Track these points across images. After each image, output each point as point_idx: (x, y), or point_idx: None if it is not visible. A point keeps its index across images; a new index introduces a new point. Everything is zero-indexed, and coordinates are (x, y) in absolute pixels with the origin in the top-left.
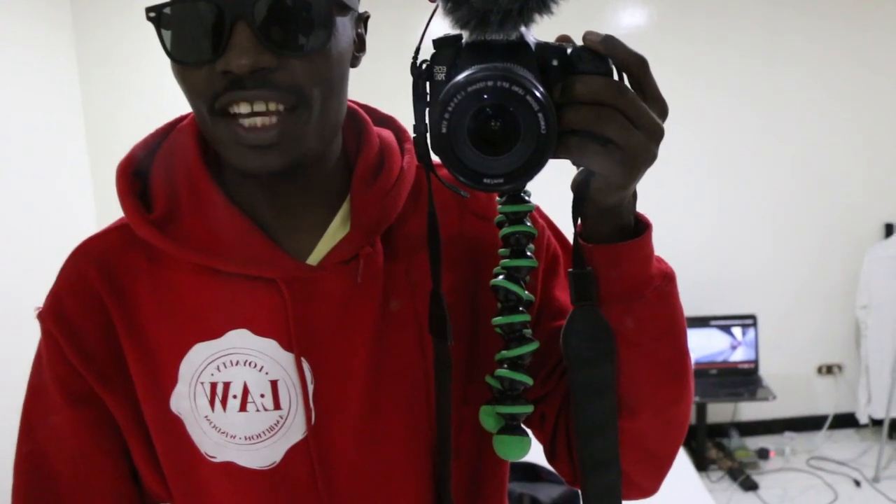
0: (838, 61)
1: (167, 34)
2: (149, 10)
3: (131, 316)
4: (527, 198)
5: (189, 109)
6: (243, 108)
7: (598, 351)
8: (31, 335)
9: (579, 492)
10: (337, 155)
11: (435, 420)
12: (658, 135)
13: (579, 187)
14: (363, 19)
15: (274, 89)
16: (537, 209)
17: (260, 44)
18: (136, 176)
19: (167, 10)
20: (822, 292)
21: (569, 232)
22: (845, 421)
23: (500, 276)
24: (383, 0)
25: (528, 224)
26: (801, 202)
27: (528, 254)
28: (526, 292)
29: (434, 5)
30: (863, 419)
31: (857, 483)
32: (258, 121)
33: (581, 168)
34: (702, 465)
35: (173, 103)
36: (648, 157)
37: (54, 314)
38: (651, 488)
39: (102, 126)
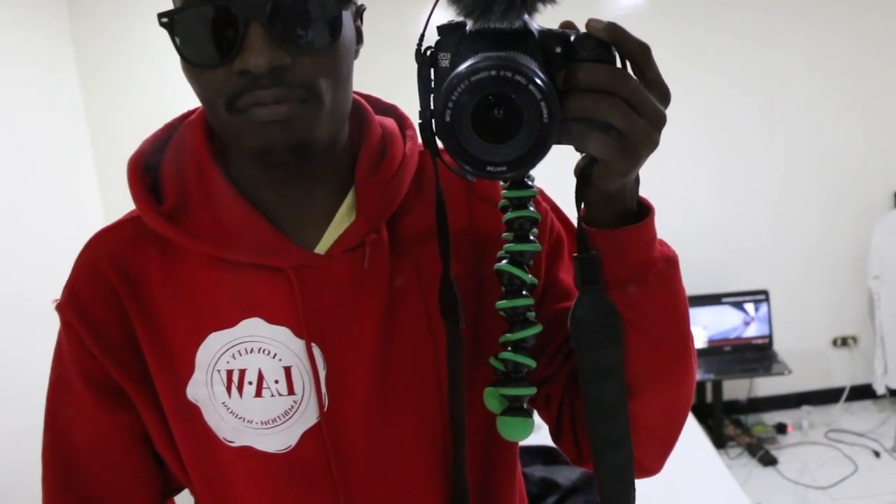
0: (841, 34)
1: (180, 39)
2: (161, 15)
3: (145, 306)
4: (530, 183)
5: (191, 105)
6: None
7: (605, 334)
8: (42, 330)
9: None
10: (342, 145)
11: (446, 403)
12: (660, 121)
13: (582, 173)
14: (360, 12)
15: (288, 87)
16: (541, 193)
17: (274, 43)
18: (146, 169)
19: (177, 17)
20: (833, 265)
21: (573, 215)
22: (862, 392)
23: (504, 261)
24: None
25: (532, 208)
26: (807, 175)
27: (532, 238)
28: (529, 276)
29: None
30: (880, 390)
31: (877, 454)
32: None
33: (584, 154)
34: (720, 442)
35: (174, 101)
36: (650, 144)
37: (72, 305)
38: (654, 468)
39: (105, 126)
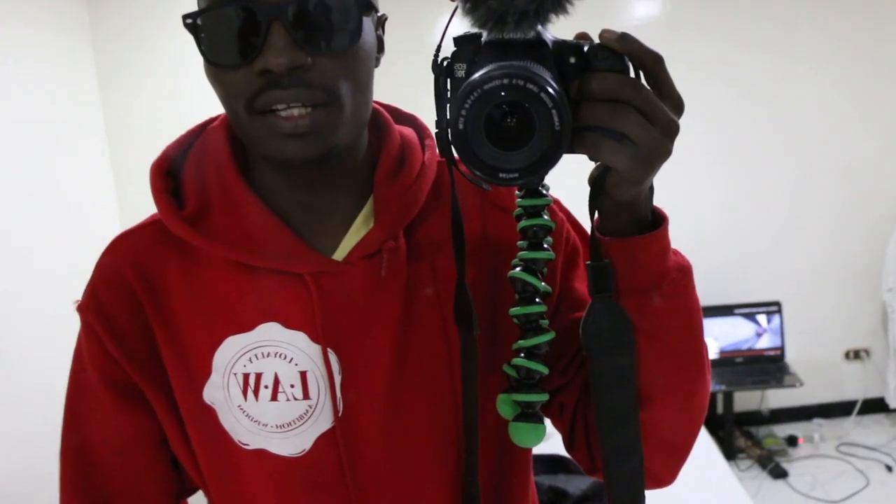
0: (854, 44)
1: (204, 39)
2: (186, 17)
3: (164, 309)
4: (545, 192)
5: (212, 111)
6: (280, 106)
7: (617, 341)
8: (59, 331)
9: None
10: (362, 153)
11: (461, 410)
12: (673, 131)
13: (596, 182)
14: (382, 21)
15: (308, 88)
16: (557, 202)
17: (295, 43)
18: (169, 174)
19: (201, 18)
20: (846, 276)
21: (588, 225)
22: (875, 406)
23: (518, 268)
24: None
25: (546, 217)
26: (821, 186)
27: (546, 246)
28: (543, 284)
29: (454, 5)
30: (893, 404)
31: (889, 468)
32: (294, 111)
33: (598, 163)
34: (730, 453)
35: (191, 104)
36: (664, 153)
37: (92, 307)
38: (668, 478)
39: (123, 128)
